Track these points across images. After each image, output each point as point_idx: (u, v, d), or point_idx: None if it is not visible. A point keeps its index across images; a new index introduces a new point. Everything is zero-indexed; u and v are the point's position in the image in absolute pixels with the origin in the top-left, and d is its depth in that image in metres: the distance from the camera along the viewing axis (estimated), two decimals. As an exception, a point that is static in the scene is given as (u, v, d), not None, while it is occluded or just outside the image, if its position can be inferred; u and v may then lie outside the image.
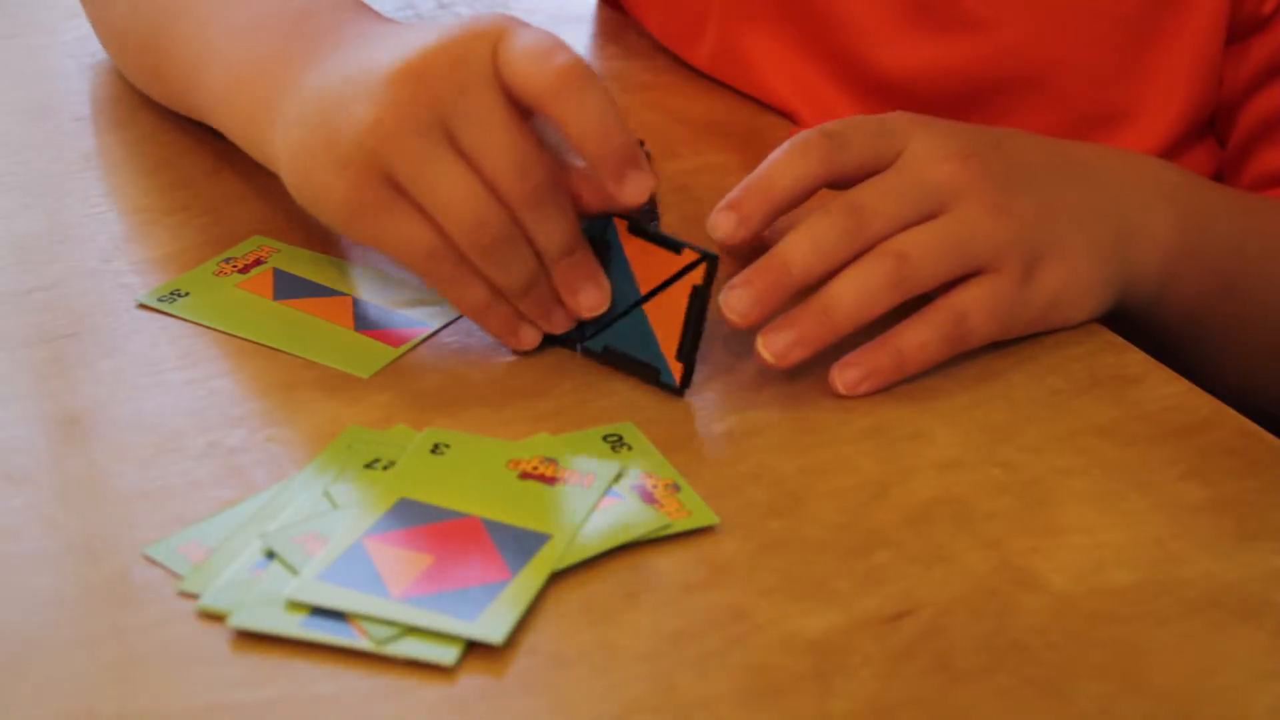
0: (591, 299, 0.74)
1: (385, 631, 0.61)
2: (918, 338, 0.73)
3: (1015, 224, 0.75)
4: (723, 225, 0.73)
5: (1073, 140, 0.82)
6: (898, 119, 0.77)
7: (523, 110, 0.71)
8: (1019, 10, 0.88)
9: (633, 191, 0.70)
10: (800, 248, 0.73)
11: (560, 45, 0.71)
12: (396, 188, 0.71)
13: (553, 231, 0.72)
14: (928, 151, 0.76)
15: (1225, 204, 0.84)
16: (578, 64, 0.70)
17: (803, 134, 0.75)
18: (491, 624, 0.61)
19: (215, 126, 0.84)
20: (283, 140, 0.75)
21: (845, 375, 0.73)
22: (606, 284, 0.74)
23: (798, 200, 0.75)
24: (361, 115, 0.70)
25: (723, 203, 0.74)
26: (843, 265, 0.73)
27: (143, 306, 0.79)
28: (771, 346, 0.72)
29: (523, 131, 0.70)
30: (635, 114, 0.97)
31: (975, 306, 0.74)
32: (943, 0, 0.89)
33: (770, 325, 0.73)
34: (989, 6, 0.89)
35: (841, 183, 0.75)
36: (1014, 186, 0.76)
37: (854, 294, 0.73)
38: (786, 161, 0.74)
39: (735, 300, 0.72)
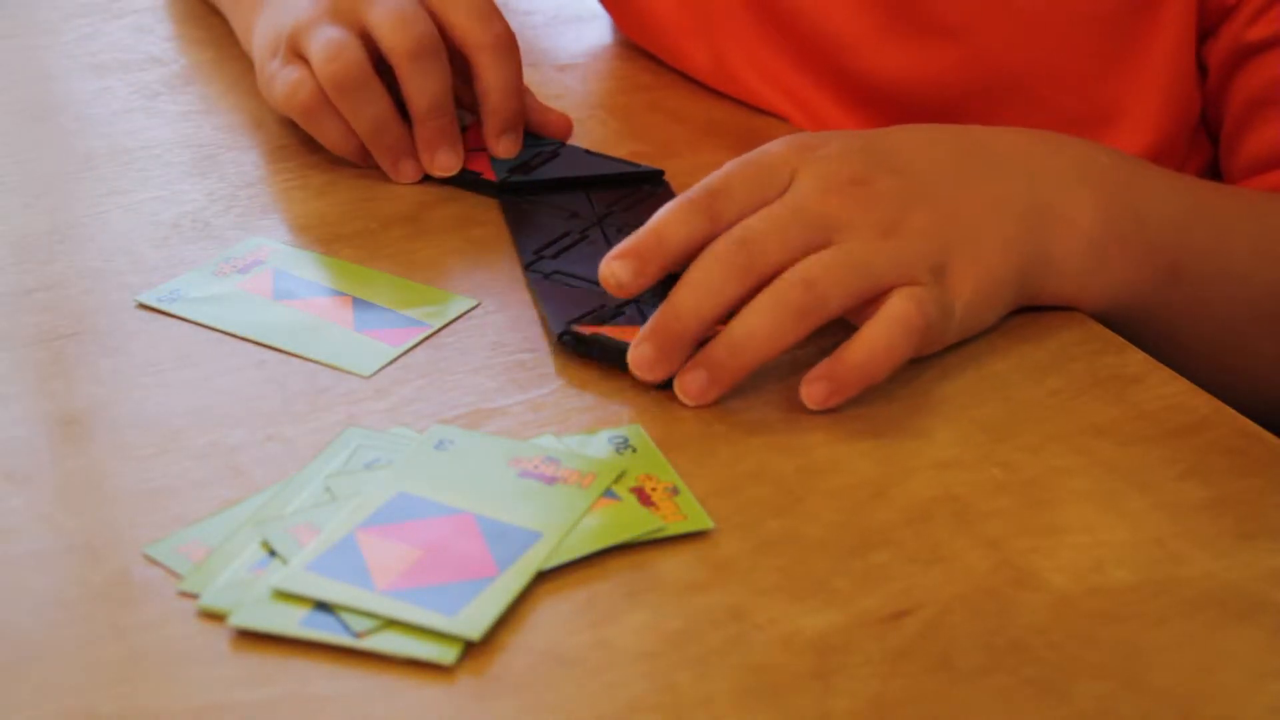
0: (445, 160, 0.87)
1: (365, 624, 0.61)
2: (884, 338, 0.72)
3: (910, 240, 0.74)
4: (619, 272, 0.73)
5: (992, 127, 0.81)
6: (781, 149, 0.76)
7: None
8: (991, 18, 0.88)
9: (505, 149, 0.89)
10: (691, 294, 0.72)
11: (497, 10, 0.88)
12: (299, 55, 0.87)
13: (425, 87, 0.86)
14: (811, 183, 0.75)
15: (1165, 187, 0.82)
16: (508, 31, 0.88)
17: (687, 192, 0.75)
18: (471, 620, 0.61)
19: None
20: (256, 33, 0.93)
21: (812, 391, 0.72)
22: (462, 151, 0.88)
23: (690, 254, 0.74)
24: (299, 13, 0.88)
25: (615, 251, 0.74)
26: (737, 302, 0.72)
27: (143, 307, 0.79)
28: (687, 389, 0.72)
29: (418, 12, 0.86)
30: (636, 114, 0.97)
31: (925, 303, 0.73)
32: (918, 9, 0.90)
33: (686, 365, 0.73)
34: (962, 15, 0.89)
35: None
36: (906, 202, 0.75)
37: (765, 327, 0.72)
38: (677, 220, 0.74)
39: (639, 356, 0.73)
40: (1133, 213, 0.79)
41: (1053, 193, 0.78)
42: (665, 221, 0.74)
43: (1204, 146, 0.92)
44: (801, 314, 0.72)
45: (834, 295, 0.72)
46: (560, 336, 0.75)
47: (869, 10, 0.91)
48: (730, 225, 0.74)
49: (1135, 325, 0.79)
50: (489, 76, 0.88)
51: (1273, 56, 0.86)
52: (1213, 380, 0.76)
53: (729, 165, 0.76)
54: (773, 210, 0.74)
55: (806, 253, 0.73)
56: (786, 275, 0.72)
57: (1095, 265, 0.78)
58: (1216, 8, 0.87)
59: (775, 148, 0.77)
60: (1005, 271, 0.76)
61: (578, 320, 0.76)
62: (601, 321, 0.76)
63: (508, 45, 0.88)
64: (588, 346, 0.75)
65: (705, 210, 0.74)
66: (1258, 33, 0.86)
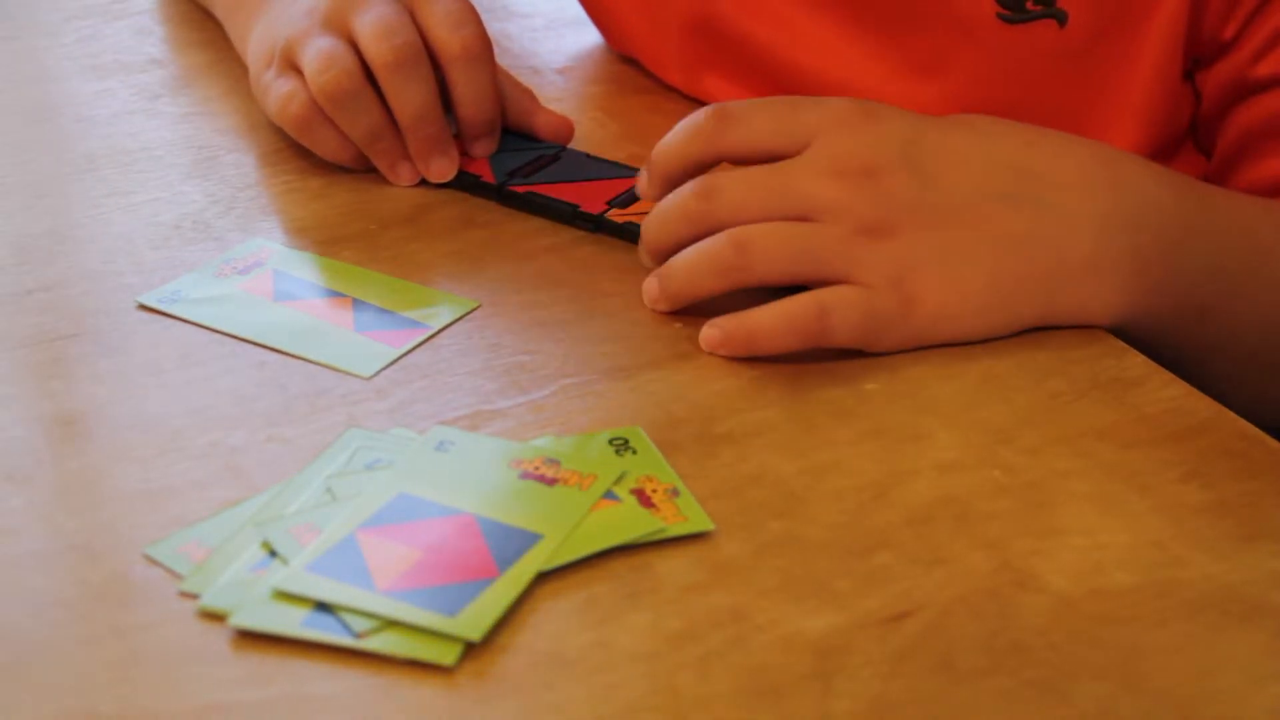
0: (440, 167, 0.88)
1: (366, 624, 0.61)
2: (772, 324, 0.74)
3: (887, 246, 0.75)
4: (642, 184, 0.80)
5: (1065, 141, 0.79)
6: (822, 110, 0.77)
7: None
8: (966, 56, 0.88)
9: (481, 150, 0.90)
10: (651, 223, 0.79)
11: (471, 16, 0.88)
12: (293, 66, 0.88)
13: (410, 96, 0.86)
14: (822, 158, 0.76)
15: (1212, 225, 0.81)
16: (479, 39, 0.87)
17: (697, 113, 0.79)
18: (471, 621, 0.61)
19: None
20: (251, 43, 0.94)
21: (707, 333, 0.76)
22: (456, 156, 0.88)
23: (689, 174, 0.78)
24: (293, 24, 0.89)
25: (647, 161, 0.80)
26: (689, 241, 0.77)
27: (143, 307, 0.79)
28: (646, 290, 0.79)
29: (403, 20, 0.86)
30: (635, 117, 0.97)
31: (841, 309, 0.74)
32: (897, 47, 0.90)
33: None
34: (938, 53, 0.89)
35: (739, 161, 0.78)
36: (908, 208, 0.75)
37: (685, 271, 0.76)
38: (673, 141, 0.79)
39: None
40: (1173, 260, 0.79)
41: (1092, 240, 0.77)
42: (666, 140, 0.79)
43: (1189, 161, 0.92)
44: (721, 270, 0.75)
45: (760, 265, 0.75)
46: (500, 190, 0.87)
47: (847, 48, 0.91)
48: (733, 152, 0.78)
49: (1156, 354, 0.79)
50: (459, 89, 0.88)
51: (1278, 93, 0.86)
52: (1230, 396, 0.76)
53: (759, 100, 0.78)
54: (761, 172, 0.76)
55: (767, 218, 0.75)
56: (729, 231, 0.75)
57: (1122, 311, 0.78)
58: (1210, 41, 0.86)
59: (820, 105, 0.77)
60: (986, 300, 0.76)
61: (515, 172, 0.87)
62: (535, 171, 0.88)
63: (477, 54, 0.87)
64: (525, 202, 0.86)
65: (705, 135, 0.78)
66: (1264, 70, 0.86)
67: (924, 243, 0.75)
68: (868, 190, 0.75)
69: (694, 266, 0.76)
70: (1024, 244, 0.76)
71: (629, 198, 0.85)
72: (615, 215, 0.84)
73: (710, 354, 0.76)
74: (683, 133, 0.78)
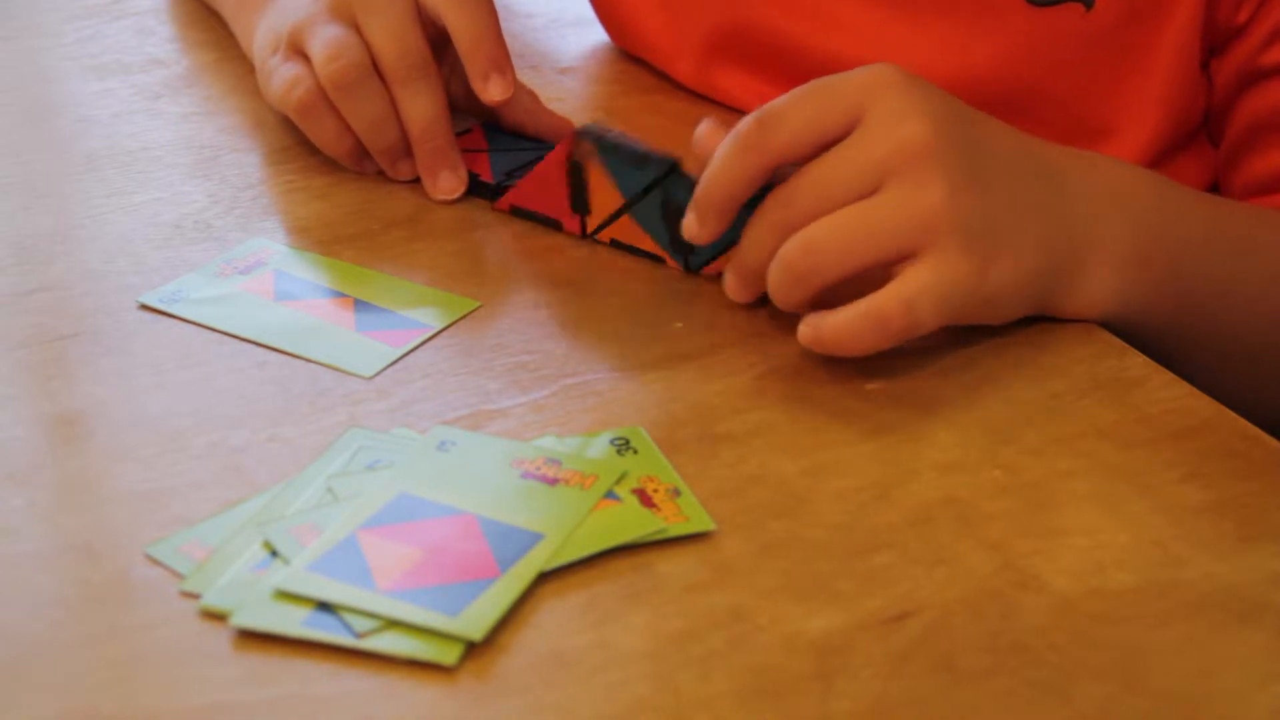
0: (447, 183, 0.87)
1: (367, 624, 0.61)
2: (854, 326, 0.73)
3: (951, 210, 0.73)
4: (689, 227, 0.77)
5: (1042, 140, 0.80)
6: (858, 78, 0.75)
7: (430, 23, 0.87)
8: (993, 37, 0.88)
9: (494, 91, 0.86)
10: (745, 247, 0.76)
11: None
12: (299, 52, 0.87)
13: (419, 109, 0.86)
14: (885, 118, 0.73)
15: (1190, 212, 0.82)
16: None
17: (739, 126, 0.75)
18: (472, 620, 0.61)
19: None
20: (257, 34, 0.93)
21: (802, 330, 0.74)
22: (464, 174, 0.87)
23: (748, 193, 0.75)
24: (299, 12, 0.88)
25: (693, 201, 0.76)
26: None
27: (144, 307, 0.79)
28: (726, 285, 0.79)
29: (413, 25, 0.86)
30: (638, 116, 0.97)
31: (922, 296, 0.72)
32: (921, 28, 0.90)
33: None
34: (959, 34, 0.89)
35: (793, 161, 0.75)
36: (971, 169, 0.74)
37: (771, 286, 0.75)
38: (723, 165, 0.75)
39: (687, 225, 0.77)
40: (1157, 239, 0.79)
41: (1087, 211, 0.77)
42: (715, 170, 0.75)
43: (1202, 153, 0.92)
44: (798, 279, 0.73)
45: (831, 265, 0.73)
46: (496, 190, 0.86)
47: (872, 30, 0.91)
48: (784, 155, 0.74)
49: (1150, 344, 0.79)
50: (455, 27, 0.86)
51: None
52: (1226, 394, 0.76)
53: (793, 91, 0.75)
54: (823, 167, 0.74)
55: (847, 203, 0.73)
56: (796, 237, 0.73)
57: (1117, 287, 0.78)
58: (1225, 27, 0.87)
59: (851, 76, 0.76)
60: (1037, 271, 0.76)
61: (513, 173, 0.87)
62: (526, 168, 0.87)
63: None
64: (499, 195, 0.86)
65: (752, 144, 0.74)
66: (1272, 58, 0.86)
67: (984, 205, 0.74)
68: (932, 142, 0.73)
69: (773, 282, 0.74)
70: (1050, 212, 0.76)
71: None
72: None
73: (808, 349, 0.74)
74: (728, 154, 0.75)
